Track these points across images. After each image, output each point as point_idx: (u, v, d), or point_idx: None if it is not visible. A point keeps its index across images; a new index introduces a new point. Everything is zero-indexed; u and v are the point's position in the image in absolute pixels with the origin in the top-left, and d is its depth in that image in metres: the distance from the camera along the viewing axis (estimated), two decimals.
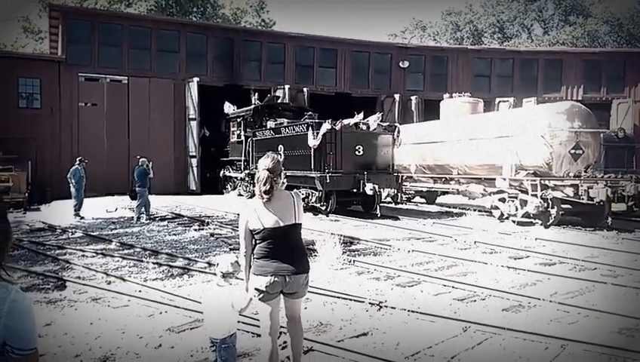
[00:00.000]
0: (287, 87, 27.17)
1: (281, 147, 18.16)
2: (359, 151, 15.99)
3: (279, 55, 28.43)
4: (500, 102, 24.39)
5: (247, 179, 21.42)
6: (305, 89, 27.79)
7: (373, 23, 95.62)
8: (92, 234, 12.60)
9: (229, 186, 24.32)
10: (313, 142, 15.58)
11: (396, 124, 17.23)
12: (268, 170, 4.00)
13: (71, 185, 15.95)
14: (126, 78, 25.23)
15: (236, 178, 22.88)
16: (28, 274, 8.30)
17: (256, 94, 23.03)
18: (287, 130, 18.15)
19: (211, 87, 26.43)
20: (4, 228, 1.61)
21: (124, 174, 23.03)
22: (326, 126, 15.50)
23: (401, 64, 29.98)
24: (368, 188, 15.11)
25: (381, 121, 16.90)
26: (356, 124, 16.17)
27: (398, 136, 16.76)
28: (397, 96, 29.30)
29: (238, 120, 22.51)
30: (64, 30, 24.45)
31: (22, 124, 23.14)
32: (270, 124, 20.05)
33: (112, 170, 23.78)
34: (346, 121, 15.95)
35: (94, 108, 24.93)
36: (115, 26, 25.49)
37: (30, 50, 42.90)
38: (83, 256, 9.97)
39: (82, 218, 15.61)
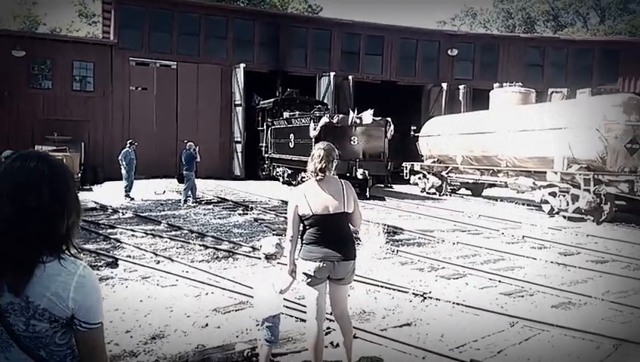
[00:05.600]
0: (332, 74, 27.07)
1: (292, 136, 20.80)
2: (354, 142, 18.03)
3: (325, 42, 28.30)
4: (552, 92, 23.52)
5: (267, 162, 24.32)
6: (350, 77, 27.60)
7: (421, 9, 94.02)
8: (142, 214, 12.99)
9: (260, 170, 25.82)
10: (313, 132, 17.91)
11: (388, 119, 18.81)
12: (324, 149, 4.05)
13: (122, 166, 16.43)
14: (175, 63, 25.71)
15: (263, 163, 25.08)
16: (81, 251, 8.55)
17: (280, 88, 25.17)
18: (296, 121, 20.72)
19: (257, 72, 26.63)
20: (75, 205, 1.65)
21: (171, 157, 23.56)
22: (324, 119, 17.83)
23: (449, 52, 29.32)
24: (359, 173, 17.09)
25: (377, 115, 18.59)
26: (352, 119, 18.09)
27: (389, 130, 18.57)
28: (444, 85, 28.73)
29: (262, 111, 24.96)
30: (116, 15, 25.08)
31: (76, 106, 23.98)
32: (286, 115, 22.21)
33: (161, 153, 24.36)
34: (342, 116, 18.45)
35: (144, 93, 25.54)
36: (165, 12, 25.95)
37: (84, 34, 44.23)
38: (133, 235, 10.29)
39: (132, 199, 16.08)
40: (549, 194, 14.94)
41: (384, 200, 17.62)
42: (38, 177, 1.55)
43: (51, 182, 1.57)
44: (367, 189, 17.46)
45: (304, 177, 19.72)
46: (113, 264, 7.87)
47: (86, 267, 1.62)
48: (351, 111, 18.37)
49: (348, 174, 16.81)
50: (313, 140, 17.71)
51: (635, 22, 47.36)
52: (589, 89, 19.03)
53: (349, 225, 4.19)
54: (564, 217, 14.25)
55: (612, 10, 51.71)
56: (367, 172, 17.24)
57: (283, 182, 22.16)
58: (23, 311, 1.52)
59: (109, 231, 10.71)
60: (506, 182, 17.38)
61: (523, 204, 17.36)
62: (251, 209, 14.48)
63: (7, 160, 1.62)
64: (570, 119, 14.51)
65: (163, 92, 25.43)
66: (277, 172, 23.00)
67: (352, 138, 17.98)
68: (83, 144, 22.69)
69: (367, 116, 18.01)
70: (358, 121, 18.01)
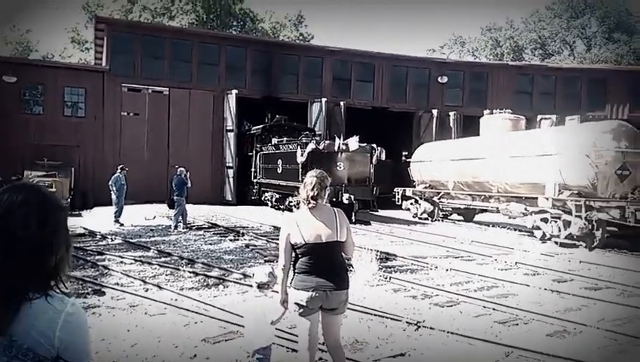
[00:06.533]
0: (324, 100, 27.23)
1: (279, 161, 21.29)
2: (340, 167, 18.36)
3: (317, 69, 28.53)
4: (541, 119, 23.81)
5: (255, 187, 24.68)
6: (342, 103, 27.77)
7: (411, 37, 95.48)
8: (131, 241, 12.81)
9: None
10: (300, 158, 18.34)
11: (373, 145, 19.34)
12: (317, 176, 4.00)
13: (112, 192, 16.27)
14: (167, 89, 25.75)
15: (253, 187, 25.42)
16: (67, 278, 8.41)
17: (269, 114, 25.33)
18: (283, 147, 21.32)
19: (249, 99, 26.74)
20: (65, 238, 1.60)
21: (162, 183, 23.40)
22: (311, 146, 18.21)
23: (439, 79, 29.63)
24: (345, 198, 17.34)
25: (362, 141, 18.90)
26: (338, 145, 18.50)
27: (374, 156, 19.17)
28: (435, 112, 28.96)
29: (251, 137, 25.44)
30: (109, 41, 25.17)
31: (66, 131, 23.85)
32: (275, 141, 22.72)
33: (152, 179, 24.19)
34: (328, 142, 18.93)
35: (136, 118, 25.51)
36: (157, 39, 26.11)
37: (76, 60, 44.40)
38: (122, 262, 10.12)
39: (122, 225, 15.89)
40: (541, 220, 14.94)
41: (370, 224, 17.93)
42: (27, 209, 1.52)
43: (40, 214, 1.53)
44: (353, 214, 17.66)
45: (291, 202, 20.20)
46: (100, 292, 7.70)
47: (74, 304, 1.56)
48: (337, 138, 18.81)
49: (334, 199, 17.01)
50: (300, 166, 18.30)
51: (620, 50, 48.34)
52: (577, 116, 19.30)
53: (342, 253, 4.13)
54: (556, 243, 14.23)
55: (598, 39, 52.79)
56: (352, 197, 17.56)
57: (271, 207, 22.70)
58: (6, 350, 1.44)
59: (97, 257, 10.52)
60: (497, 208, 17.40)
61: (515, 230, 17.36)
62: (242, 235, 14.35)
63: None
64: (561, 145, 14.63)
65: (155, 118, 25.42)
66: (265, 197, 23.55)
67: (338, 164, 18.39)
68: (73, 169, 22.50)
69: (353, 142, 18.39)
70: (344, 147, 18.45)
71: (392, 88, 29.53)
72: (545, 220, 14.80)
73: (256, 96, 27.14)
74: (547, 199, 14.66)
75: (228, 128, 26.25)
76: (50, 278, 1.54)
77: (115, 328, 6.04)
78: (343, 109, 27.67)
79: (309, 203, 3.98)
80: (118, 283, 8.27)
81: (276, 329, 4.77)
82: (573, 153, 14.11)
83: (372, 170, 19.20)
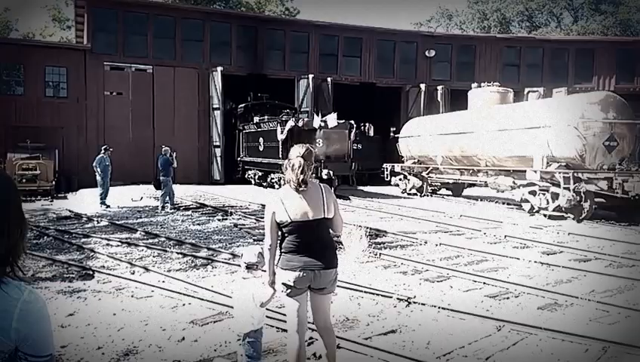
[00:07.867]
0: (310, 76, 26.88)
1: (261, 139, 21.75)
2: (319, 144, 18.64)
3: (303, 44, 28.07)
4: (529, 92, 23.74)
5: (239, 166, 25.33)
6: (329, 79, 27.44)
7: (398, 11, 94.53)
8: (117, 222, 12.63)
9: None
10: (280, 136, 18.95)
11: (351, 122, 19.84)
12: (303, 157, 3.81)
13: (97, 173, 15.99)
14: (151, 67, 25.25)
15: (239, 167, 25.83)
16: (53, 262, 8.29)
17: (252, 93, 25.81)
18: (264, 125, 21.77)
19: (235, 76, 26.34)
20: (19, 222, 1.45)
21: (148, 163, 23.11)
22: (290, 123, 18.64)
23: (427, 53, 29.33)
24: (324, 174, 17.79)
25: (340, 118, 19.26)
26: (317, 122, 18.83)
27: (352, 132, 19.71)
28: (423, 86, 28.74)
29: (235, 115, 26.16)
30: (90, 19, 24.55)
31: (49, 113, 23.38)
32: (256, 119, 23.26)
33: (137, 159, 23.87)
34: (307, 119, 19.47)
35: (119, 98, 25.04)
36: (140, 15, 25.49)
37: (57, 39, 43.35)
38: (108, 244, 9.96)
39: (108, 206, 15.68)
40: (529, 192, 14.95)
41: (349, 199, 18.30)
42: None
43: None
44: (333, 189, 17.79)
45: (273, 178, 20.18)
46: (87, 276, 7.55)
47: (32, 291, 1.42)
48: (315, 115, 19.28)
49: (313, 175, 17.12)
50: (280, 143, 18.71)
51: (607, 22, 48.14)
52: (565, 88, 19.22)
53: (330, 230, 4.00)
54: (545, 216, 14.27)
55: (584, 10, 52.50)
56: (331, 172, 18.01)
57: (255, 184, 23.23)
58: None
59: (82, 240, 10.35)
60: (485, 182, 17.39)
61: (503, 203, 17.41)
62: (231, 214, 14.23)
63: None
64: (549, 118, 14.56)
65: (139, 97, 24.96)
66: (249, 174, 24.14)
67: (317, 140, 18.66)
68: (57, 151, 22.11)
69: (332, 119, 18.70)
70: (322, 124, 18.76)
71: (380, 63, 29.18)
72: (533, 193, 14.81)
73: (242, 73, 26.73)
74: (535, 172, 14.64)
75: (214, 106, 25.89)
76: (4, 264, 1.40)
77: (100, 312, 5.92)
78: (330, 85, 27.37)
79: (300, 186, 3.81)
80: (104, 266, 8.13)
81: (266, 309, 4.69)
82: (561, 125, 14.06)
83: (350, 146, 19.59)
